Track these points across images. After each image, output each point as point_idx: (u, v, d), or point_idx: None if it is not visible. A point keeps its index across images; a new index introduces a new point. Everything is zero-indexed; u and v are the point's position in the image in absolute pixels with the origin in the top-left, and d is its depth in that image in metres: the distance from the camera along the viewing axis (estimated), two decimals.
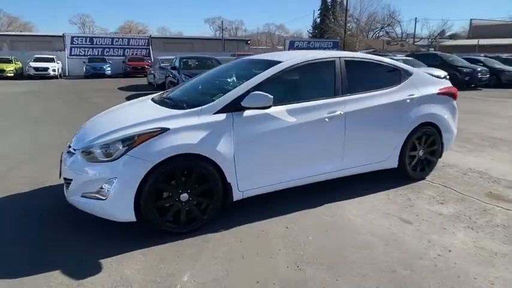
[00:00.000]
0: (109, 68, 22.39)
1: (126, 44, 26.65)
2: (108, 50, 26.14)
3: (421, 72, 4.21)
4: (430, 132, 4.05)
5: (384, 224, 3.09)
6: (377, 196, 3.67)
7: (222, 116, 2.93)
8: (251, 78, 3.18)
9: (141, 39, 27.55)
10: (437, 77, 4.72)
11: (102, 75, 21.87)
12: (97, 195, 2.69)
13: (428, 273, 2.40)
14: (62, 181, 3.05)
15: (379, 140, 3.73)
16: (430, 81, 4.16)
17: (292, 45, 30.54)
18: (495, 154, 5.26)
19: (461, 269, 2.45)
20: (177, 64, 11.54)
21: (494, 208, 3.42)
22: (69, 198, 2.90)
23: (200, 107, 2.93)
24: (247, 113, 2.99)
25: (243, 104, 2.95)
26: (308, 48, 30.49)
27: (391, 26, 42.19)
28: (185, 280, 2.31)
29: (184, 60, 11.98)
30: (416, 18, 40.94)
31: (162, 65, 14.48)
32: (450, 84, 4.34)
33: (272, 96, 2.90)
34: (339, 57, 3.60)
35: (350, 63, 3.63)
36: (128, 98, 11.95)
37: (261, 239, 2.83)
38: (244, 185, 3.05)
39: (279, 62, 3.30)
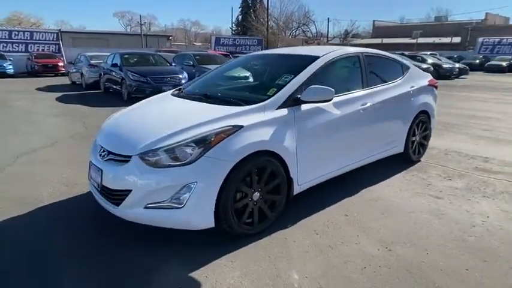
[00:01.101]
0: (10, 66, 19.31)
1: (28, 38, 23.41)
2: (5, 44, 22.68)
3: (414, 66, 4.68)
4: (424, 119, 4.55)
5: (422, 201, 3.42)
6: (396, 179, 4.02)
7: (284, 111, 2.91)
8: (293, 73, 3.21)
9: (49, 33, 24.55)
10: None
11: (2, 75, 18.86)
12: (170, 204, 2.47)
13: (489, 237, 2.76)
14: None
15: (394, 128, 4.09)
16: (422, 74, 4.67)
17: (218, 42, 30.45)
18: (454, 136, 6.08)
19: (508, 229, 2.88)
20: (118, 61, 10.68)
21: (489, 179, 4.02)
22: (123, 212, 2.59)
23: (263, 103, 2.88)
24: (303, 107, 3.03)
25: (302, 98, 2.97)
26: (234, 45, 30.71)
27: (307, 25, 44.86)
28: (297, 278, 2.29)
29: (126, 56, 11.14)
30: (328, 19, 44.42)
31: (92, 62, 13.23)
32: (432, 77, 4.91)
33: (333, 90, 2.99)
34: (361, 52, 3.83)
35: (369, 58, 3.89)
36: (59, 99, 10.69)
37: (332, 229, 2.91)
38: (302, 179, 3.08)
39: (317, 57, 3.38)
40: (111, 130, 3.04)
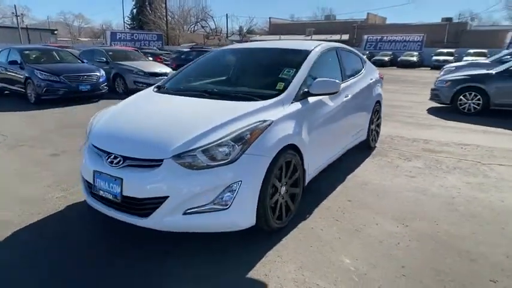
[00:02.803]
0: None
1: None
2: None
3: (368, 60, 5.14)
4: (378, 109, 5.07)
5: (402, 181, 3.84)
6: (368, 164, 4.41)
7: (298, 105, 2.96)
8: (291, 66, 3.27)
9: None
10: None
11: None
12: (214, 207, 2.32)
13: (471, 205, 3.27)
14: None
15: (362, 117, 4.46)
16: (373, 68, 5.16)
17: (114, 37, 28.31)
18: (389, 124, 6.77)
19: (479, 197, 3.44)
20: (17, 58, 9.11)
21: (439, 158, 4.69)
22: (156, 222, 2.35)
23: (280, 97, 2.87)
24: (310, 99, 3.12)
25: (311, 91, 3.05)
26: (132, 40, 28.89)
27: (205, 20, 44.63)
28: (349, 262, 2.39)
29: (27, 52, 9.56)
30: (227, 15, 45.28)
31: None
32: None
33: (339, 82, 3.13)
34: (337, 47, 4.07)
35: (342, 52, 4.16)
36: None
37: (348, 214, 3.08)
38: (310, 169, 3.17)
39: (309, 51, 3.49)
40: (116, 133, 2.67)
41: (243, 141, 2.40)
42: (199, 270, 2.31)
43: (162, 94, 3.31)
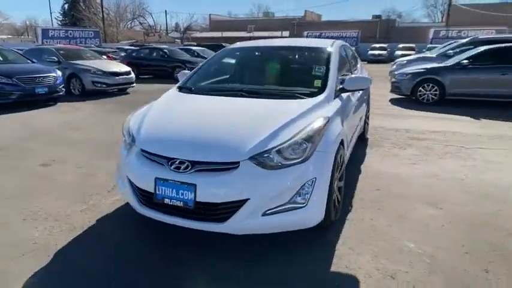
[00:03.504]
0: None
1: None
2: None
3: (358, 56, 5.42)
4: (368, 102, 5.38)
5: (408, 169, 4.14)
6: (371, 155, 4.69)
7: (338, 101, 3.07)
8: (318, 64, 3.38)
9: None
10: None
11: None
12: (292, 205, 2.34)
13: (480, 185, 3.65)
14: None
15: (363, 110, 4.71)
16: (361, 63, 5.45)
17: (46, 35, 25.94)
18: None
19: (481, 178, 3.85)
20: None
21: (428, 145, 5.12)
22: (234, 226, 2.29)
23: (324, 95, 2.95)
24: (343, 95, 3.24)
25: (346, 87, 3.18)
26: (66, 37, 26.74)
27: (143, 16, 42.78)
28: (413, 246, 2.56)
29: None
30: (166, 11, 43.62)
31: None
32: None
33: (371, 78, 3.29)
34: (343, 44, 4.25)
35: (346, 49, 4.35)
36: None
37: (385, 203, 3.26)
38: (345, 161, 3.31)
39: (329, 49, 3.61)
40: (174, 137, 2.53)
41: (312, 139, 2.44)
42: (274, 268, 2.32)
43: (195, 95, 3.20)
